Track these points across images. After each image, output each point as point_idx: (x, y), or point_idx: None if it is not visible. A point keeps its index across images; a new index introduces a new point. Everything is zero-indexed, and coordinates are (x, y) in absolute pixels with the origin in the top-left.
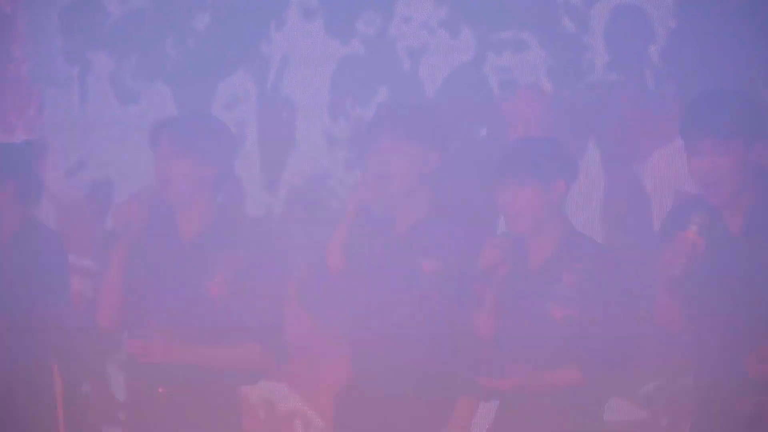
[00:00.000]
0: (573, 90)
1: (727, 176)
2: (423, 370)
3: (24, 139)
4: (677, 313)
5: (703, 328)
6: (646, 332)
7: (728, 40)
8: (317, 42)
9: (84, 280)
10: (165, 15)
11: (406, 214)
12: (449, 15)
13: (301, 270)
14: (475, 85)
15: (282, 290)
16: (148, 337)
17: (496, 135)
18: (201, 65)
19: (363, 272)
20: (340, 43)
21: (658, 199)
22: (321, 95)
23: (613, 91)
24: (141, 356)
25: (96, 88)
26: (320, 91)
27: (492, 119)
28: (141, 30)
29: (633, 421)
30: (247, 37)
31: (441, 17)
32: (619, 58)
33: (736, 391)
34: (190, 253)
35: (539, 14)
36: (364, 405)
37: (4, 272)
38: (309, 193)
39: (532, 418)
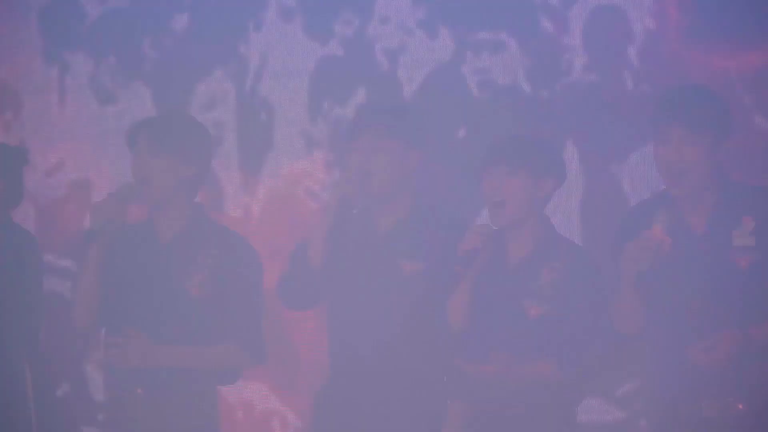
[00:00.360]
0: (551, 91)
1: (692, 167)
2: (402, 371)
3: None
4: (638, 314)
5: (664, 329)
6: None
7: (706, 40)
8: (295, 43)
9: (62, 281)
10: (143, 16)
11: (386, 215)
12: (427, 16)
13: (282, 264)
14: (453, 86)
15: (261, 290)
16: (125, 343)
17: (474, 136)
18: (179, 66)
19: (343, 269)
20: (318, 45)
21: (636, 200)
22: (299, 96)
23: (591, 92)
24: (119, 362)
25: (74, 89)
26: (298, 92)
27: (470, 120)
28: (119, 31)
29: (610, 422)
30: (226, 38)
31: (419, 18)
32: (598, 59)
33: (701, 394)
34: (169, 254)
35: (517, 15)
36: (344, 405)
37: None
38: (287, 194)
39: (506, 419)
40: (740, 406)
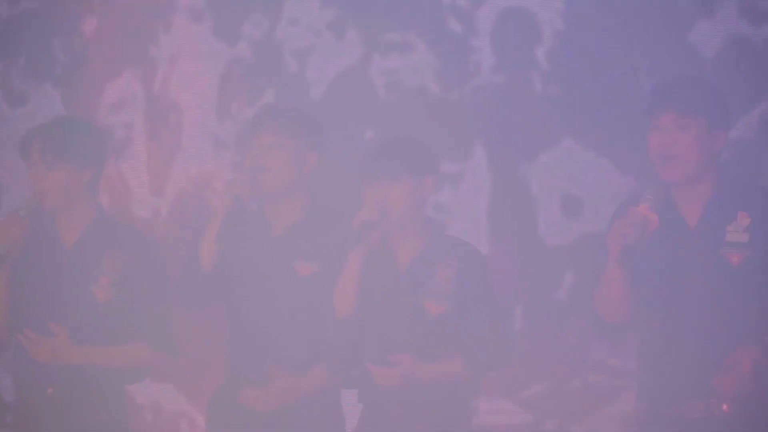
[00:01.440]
0: (460, 92)
1: (685, 152)
2: (299, 371)
3: None
4: (625, 298)
5: (653, 325)
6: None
7: (614, 41)
8: (204, 44)
9: None
10: (53, 18)
11: (282, 215)
12: (336, 17)
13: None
14: (361, 87)
15: (167, 287)
16: (39, 339)
17: (381, 137)
18: (88, 67)
19: (237, 270)
20: (227, 46)
21: (544, 201)
22: (208, 97)
23: (500, 93)
24: (33, 355)
25: None
26: (207, 93)
27: (377, 121)
28: (29, 32)
29: (516, 423)
30: (135, 39)
31: (328, 19)
32: (506, 61)
33: (684, 394)
34: (72, 258)
35: (425, 16)
36: (236, 408)
37: None
38: (195, 195)
39: (404, 418)
40: (724, 407)
